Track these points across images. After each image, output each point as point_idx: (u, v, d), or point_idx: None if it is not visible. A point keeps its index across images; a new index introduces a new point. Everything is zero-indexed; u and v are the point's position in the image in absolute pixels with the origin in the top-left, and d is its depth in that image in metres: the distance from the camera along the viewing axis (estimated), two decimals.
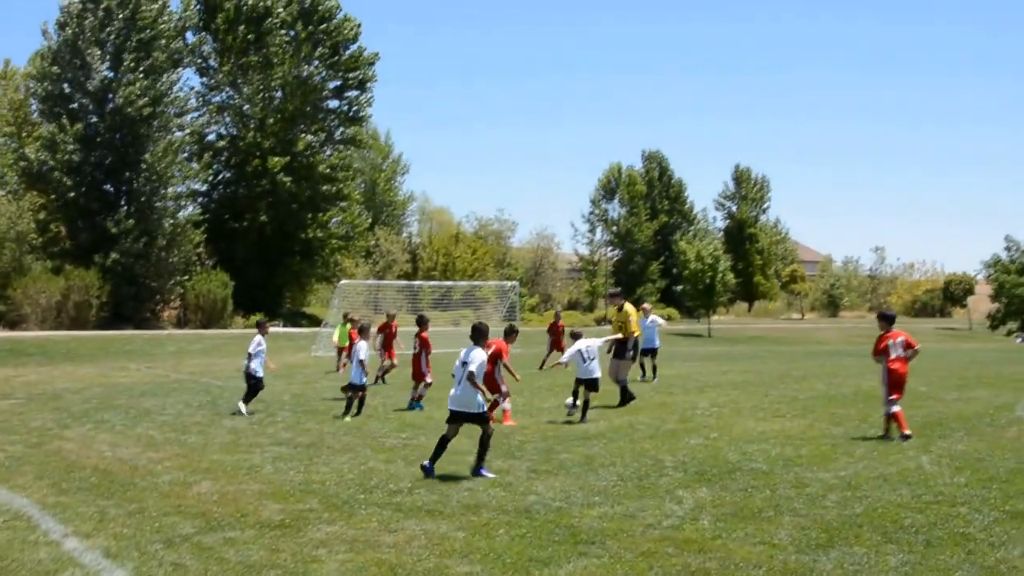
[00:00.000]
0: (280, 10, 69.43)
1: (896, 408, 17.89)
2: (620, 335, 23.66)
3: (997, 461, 15.14)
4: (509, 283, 58.57)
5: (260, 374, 22.43)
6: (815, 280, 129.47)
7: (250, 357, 22.50)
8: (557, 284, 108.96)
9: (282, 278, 72.19)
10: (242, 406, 21.96)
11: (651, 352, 30.31)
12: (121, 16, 58.93)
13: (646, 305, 33.63)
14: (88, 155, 59.30)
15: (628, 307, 24.33)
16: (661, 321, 32.52)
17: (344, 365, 30.01)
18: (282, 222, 69.71)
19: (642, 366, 30.11)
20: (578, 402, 20.63)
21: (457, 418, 14.61)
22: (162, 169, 59.70)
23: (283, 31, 69.78)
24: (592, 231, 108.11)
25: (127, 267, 58.15)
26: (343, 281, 55.29)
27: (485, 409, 14.59)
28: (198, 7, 68.88)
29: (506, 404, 20.68)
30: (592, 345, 20.69)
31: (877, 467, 14.55)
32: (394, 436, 18.01)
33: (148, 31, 60.10)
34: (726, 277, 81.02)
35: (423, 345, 23.06)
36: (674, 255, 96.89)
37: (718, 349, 59.27)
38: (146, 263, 59.48)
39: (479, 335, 14.98)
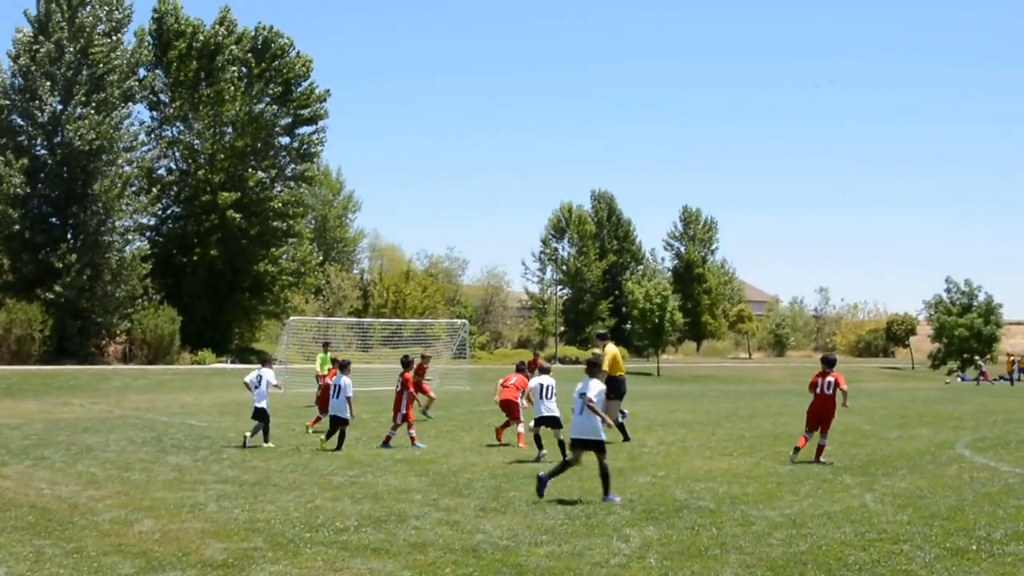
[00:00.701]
0: (232, 46, 69.38)
1: (806, 435, 20.14)
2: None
3: (938, 498, 15.23)
4: (459, 321, 58.48)
5: (264, 406, 22.99)
6: (762, 320, 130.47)
7: (251, 389, 23.46)
8: (508, 322, 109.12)
9: (231, 314, 71.94)
10: (263, 442, 22.60)
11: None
12: (73, 50, 58.68)
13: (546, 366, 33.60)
14: (34, 188, 58.99)
15: (610, 347, 24.19)
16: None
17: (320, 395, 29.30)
18: (232, 257, 69.52)
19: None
20: (544, 452, 20.29)
21: (578, 445, 15.36)
22: (109, 203, 59.32)
23: (234, 67, 69.73)
24: (542, 270, 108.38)
25: (71, 301, 57.70)
26: (292, 318, 55.03)
27: (604, 437, 15.31)
28: (151, 43, 68.76)
29: (520, 428, 22.55)
30: (553, 384, 20.52)
31: (822, 505, 14.59)
32: (341, 474, 17.86)
33: (101, 66, 59.87)
34: (674, 316, 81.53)
35: (405, 385, 22.88)
36: (623, 294, 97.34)
37: (666, 388, 59.39)
38: (91, 297, 59.07)
39: (595, 368, 15.89)
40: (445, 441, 23.13)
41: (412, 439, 22.38)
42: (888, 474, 17.92)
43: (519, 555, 11.47)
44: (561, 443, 19.54)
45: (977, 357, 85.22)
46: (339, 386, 22.58)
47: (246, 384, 24.11)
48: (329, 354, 33.40)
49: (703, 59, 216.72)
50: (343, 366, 23.23)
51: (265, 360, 25.14)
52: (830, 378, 19.99)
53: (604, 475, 15.19)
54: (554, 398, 20.26)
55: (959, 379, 79.87)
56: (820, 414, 20.11)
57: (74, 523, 13.18)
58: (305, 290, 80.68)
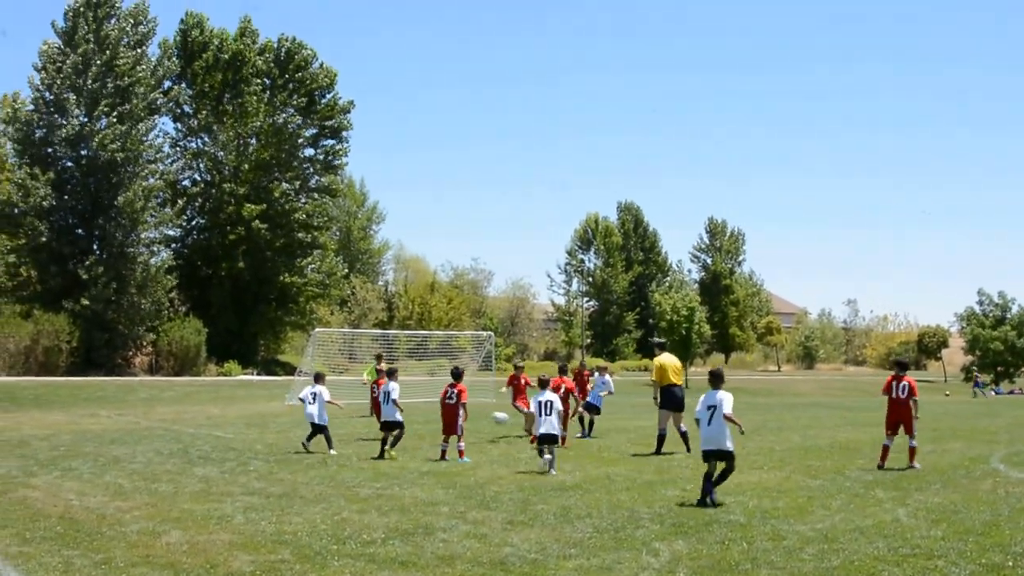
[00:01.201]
0: (256, 58, 69.58)
1: (887, 442, 20.73)
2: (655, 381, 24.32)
3: (973, 513, 15.00)
4: (485, 333, 58.45)
5: (324, 421, 24.02)
6: (791, 332, 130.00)
7: (308, 403, 24.38)
8: (534, 334, 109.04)
9: (257, 325, 72.02)
10: (328, 449, 23.56)
11: (595, 410, 29.74)
12: (98, 62, 58.89)
13: (603, 364, 33.61)
14: (61, 200, 59.18)
15: (659, 358, 24.69)
16: (611, 385, 31.44)
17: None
18: (257, 269, 69.65)
19: (580, 421, 29.56)
20: (548, 456, 20.07)
21: (710, 456, 16.08)
22: (135, 214, 59.47)
23: (259, 79, 69.92)
24: (568, 281, 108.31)
25: (98, 313, 57.83)
26: (318, 329, 55.08)
27: (733, 448, 16.14)
28: (176, 54, 68.99)
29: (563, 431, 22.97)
30: (554, 399, 20.49)
31: (854, 519, 14.40)
32: (368, 486, 17.78)
33: (126, 78, 60.10)
34: (702, 328, 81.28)
35: (460, 397, 22.65)
36: (649, 305, 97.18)
37: (694, 401, 58.88)
38: (117, 309, 59.19)
39: (718, 379, 16.78)
40: (472, 453, 22.96)
41: (460, 452, 22.20)
42: (921, 488, 17.70)
43: (547, 569, 11.36)
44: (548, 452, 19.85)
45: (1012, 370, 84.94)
46: (387, 392, 22.80)
47: (301, 400, 25.26)
48: (381, 364, 33.24)
49: (730, 70, 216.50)
50: (390, 373, 23.47)
51: (319, 377, 25.53)
52: (904, 382, 20.70)
53: (724, 478, 16.10)
54: (555, 414, 20.20)
55: (992, 392, 79.37)
56: (898, 418, 20.73)
57: (102, 534, 13.12)
58: (330, 302, 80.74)
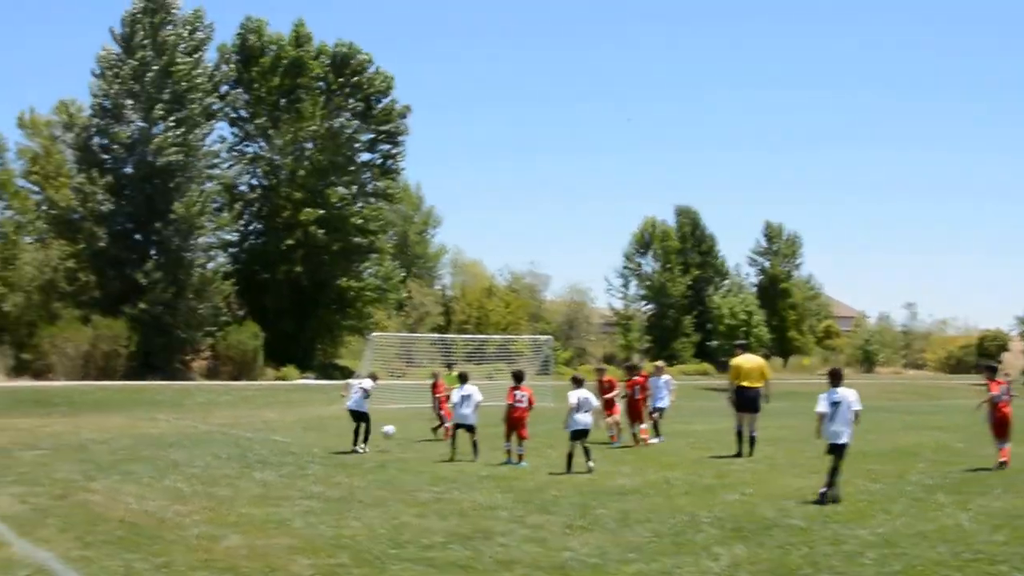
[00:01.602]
0: (313, 63, 69.90)
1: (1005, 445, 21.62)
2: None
3: None
4: (543, 337, 58.30)
5: (364, 409, 26.20)
6: (850, 336, 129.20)
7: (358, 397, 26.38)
8: (591, 338, 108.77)
9: (314, 330, 72.17)
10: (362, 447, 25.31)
11: (660, 411, 29.81)
12: (156, 68, 59.32)
13: (660, 363, 33.68)
14: (119, 205, 59.62)
15: (736, 359, 25.31)
16: (673, 383, 31.55)
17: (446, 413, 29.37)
18: (314, 273, 69.83)
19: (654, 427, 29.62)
20: (586, 457, 20.46)
21: (835, 449, 17.12)
22: (191, 219, 59.82)
23: (316, 84, 70.23)
24: (626, 285, 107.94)
25: (156, 317, 58.18)
26: (375, 333, 55.15)
27: (850, 441, 17.44)
28: (235, 59, 69.36)
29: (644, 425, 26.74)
30: (591, 397, 20.86)
31: (915, 524, 14.30)
32: (426, 490, 17.79)
33: (182, 83, 60.51)
34: (760, 332, 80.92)
35: (530, 401, 22.72)
36: (707, 309, 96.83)
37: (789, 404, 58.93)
38: (175, 313, 59.51)
39: (839, 378, 17.72)
40: (530, 458, 22.95)
41: (520, 456, 22.24)
42: (983, 493, 17.54)
43: (607, 573, 11.35)
44: (586, 450, 20.41)
45: None
46: (465, 396, 23.22)
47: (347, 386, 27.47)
48: (454, 373, 33.52)
49: (784, 81, 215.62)
50: (462, 378, 24.12)
51: (374, 376, 28.13)
52: (1003, 385, 21.97)
53: (834, 471, 16.90)
54: (590, 410, 20.70)
55: None
56: (1004, 421, 21.63)
57: (162, 538, 13.19)
58: (387, 306, 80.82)
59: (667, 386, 30.14)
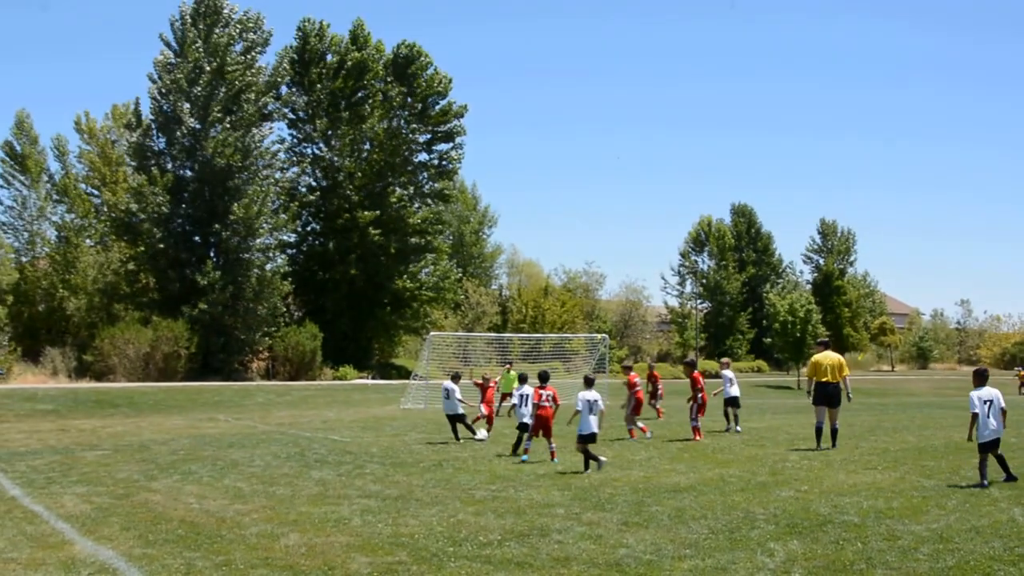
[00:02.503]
0: (375, 65, 70.13)
1: None
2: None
3: None
4: (599, 335, 58.30)
5: (460, 411, 27.86)
6: (904, 332, 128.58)
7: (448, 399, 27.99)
8: (647, 336, 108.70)
9: (371, 330, 72.49)
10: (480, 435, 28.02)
11: (734, 402, 30.95)
12: (209, 70, 59.75)
13: (725, 359, 35.11)
14: (177, 206, 60.12)
15: (817, 355, 25.46)
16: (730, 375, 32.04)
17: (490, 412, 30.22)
18: (371, 274, 70.15)
19: (726, 415, 31.17)
20: (604, 459, 20.61)
21: (990, 446, 18.21)
22: (250, 221, 60.20)
23: (377, 86, 70.47)
24: (682, 283, 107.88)
25: (215, 318, 58.66)
26: (432, 333, 55.33)
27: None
28: (294, 60, 69.66)
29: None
30: (600, 398, 20.83)
31: (969, 519, 14.21)
32: (484, 488, 17.84)
33: (236, 84, 60.90)
34: (817, 329, 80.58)
35: (554, 400, 23.00)
36: (763, 307, 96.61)
37: (807, 402, 58.59)
38: (234, 314, 59.98)
39: (984, 377, 18.77)
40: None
41: (552, 453, 22.39)
42: None
43: (662, 569, 11.34)
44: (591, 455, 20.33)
45: None
46: (525, 396, 23.66)
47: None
48: (512, 372, 34.02)
49: (847, 72, 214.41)
50: (521, 379, 25.21)
51: (456, 376, 28.81)
52: None
53: (1002, 462, 18.41)
54: (599, 415, 20.66)
55: None
56: None
57: (222, 536, 13.30)
58: (444, 305, 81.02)
59: (730, 380, 31.10)
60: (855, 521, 14.18)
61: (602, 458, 20.45)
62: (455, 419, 27.98)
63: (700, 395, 28.54)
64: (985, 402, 18.24)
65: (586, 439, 20.38)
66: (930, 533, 13.23)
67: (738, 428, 30.44)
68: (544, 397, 22.47)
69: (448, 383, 28.32)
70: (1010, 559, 11.67)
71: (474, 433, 27.89)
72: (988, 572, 11.07)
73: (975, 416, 18.15)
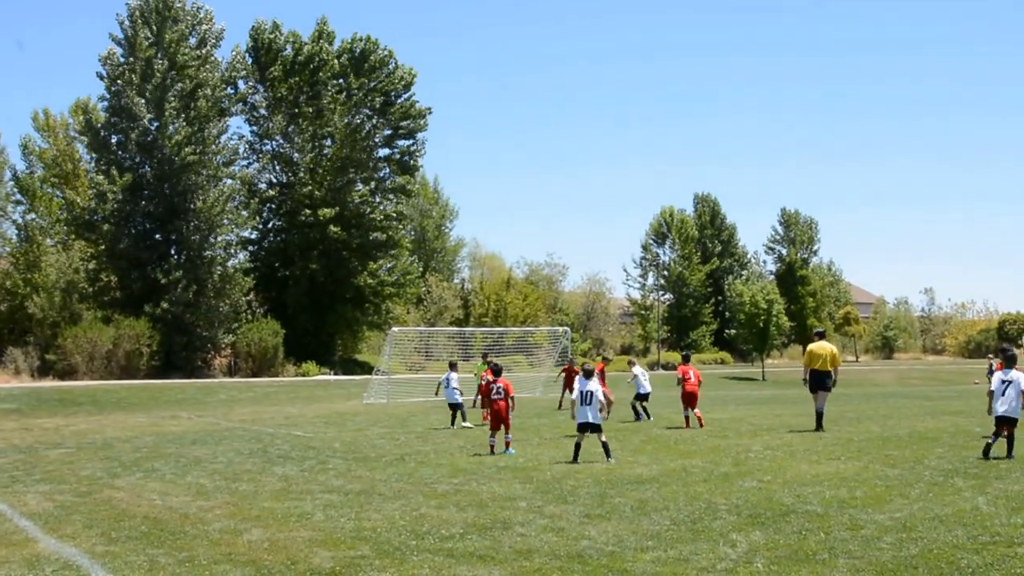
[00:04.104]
0: (332, 60, 69.91)
1: None
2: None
3: None
4: (561, 328, 58.34)
5: (457, 399, 30.07)
6: (868, 322, 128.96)
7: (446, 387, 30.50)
8: (610, 328, 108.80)
9: (334, 325, 72.36)
10: (463, 422, 29.75)
11: (644, 397, 32.12)
12: (162, 66, 59.41)
13: (631, 359, 37.46)
14: (136, 204, 59.82)
15: (811, 345, 27.78)
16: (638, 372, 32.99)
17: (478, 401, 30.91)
18: (333, 270, 70.04)
19: (634, 408, 32.19)
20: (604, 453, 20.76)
21: (1004, 421, 20.04)
22: (211, 218, 59.99)
23: (335, 80, 70.26)
24: (644, 275, 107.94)
25: (177, 316, 58.51)
26: (395, 328, 55.28)
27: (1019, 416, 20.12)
28: (250, 57, 69.44)
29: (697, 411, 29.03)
30: (598, 389, 20.81)
31: (932, 508, 14.31)
32: (446, 482, 17.88)
33: (189, 80, 60.58)
34: (780, 320, 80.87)
35: (507, 392, 23.37)
36: (727, 298, 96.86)
37: (771, 392, 58.94)
38: (196, 312, 59.82)
39: (1013, 361, 20.40)
40: (549, 448, 23.10)
41: (507, 443, 22.71)
42: (1001, 477, 17.50)
43: (625, 561, 11.40)
44: (604, 444, 20.62)
45: None
46: (499, 388, 23.54)
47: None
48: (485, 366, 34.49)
49: (805, 55, 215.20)
50: (495, 370, 24.40)
51: (453, 365, 30.70)
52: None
53: (1011, 441, 19.98)
54: (596, 403, 20.59)
55: None
56: None
57: (185, 533, 13.32)
58: (406, 300, 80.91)
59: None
60: (818, 511, 14.27)
61: (611, 459, 20.49)
62: (455, 407, 30.08)
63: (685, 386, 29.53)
64: (1003, 382, 20.15)
65: (583, 428, 20.58)
66: (893, 522, 13.32)
67: (649, 418, 31.51)
68: (495, 390, 23.03)
69: (449, 373, 30.64)
70: (973, 547, 11.75)
71: (465, 420, 29.78)
72: (951, 560, 11.14)
73: (991, 394, 20.33)
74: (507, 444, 22.67)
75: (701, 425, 28.46)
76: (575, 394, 20.91)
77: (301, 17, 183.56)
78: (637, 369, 32.83)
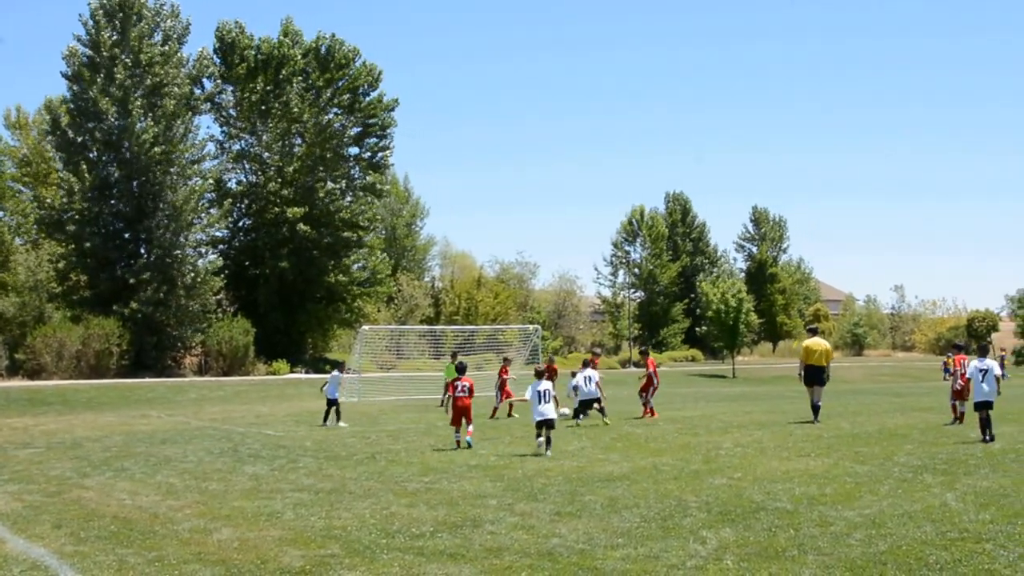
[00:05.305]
0: (298, 57, 69.74)
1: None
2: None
3: (1022, 497, 14.96)
4: (532, 326, 58.34)
5: (335, 395, 31.58)
6: (838, 319, 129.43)
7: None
8: (580, 326, 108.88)
9: (304, 324, 72.27)
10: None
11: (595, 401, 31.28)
12: (127, 63, 59.14)
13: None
14: (105, 203, 59.58)
15: (805, 341, 29.28)
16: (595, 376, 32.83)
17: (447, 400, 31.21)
18: (303, 268, 69.88)
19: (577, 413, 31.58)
20: (541, 439, 21.66)
21: (983, 406, 22.29)
22: (181, 217, 59.79)
23: (300, 78, 70.10)
24: (615, 273, 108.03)
25: (147, 315, 58.25)
26: (365, 327, 55.18)
27: (995, 399, 22.62)
28: (217, 58, 69.26)
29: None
30: (550, 388, 22.16)
31: (902, 504, 14.38)
32: (416, 480, 17.88)
33: (152, 77, 60.22)
34: (749, 318, 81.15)
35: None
36: (698, 296, 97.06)
37: (742, 389, 59.13)
38: (166, 311, 59.58)
39: (986, 351, 23.19)
40: (520, 446, 23.13)
41: (465, 439, 23.37)
42: (970, 473, 17.61)
43: (595, 558, 11.42)
44: (548, 439, 21.57)
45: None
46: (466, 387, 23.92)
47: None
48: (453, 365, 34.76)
49: (775, 51, 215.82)
50: (459, 368, 24.96)
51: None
52: (964, 360, 26.87)
53: (986, 424, 22.11)
54: (552, 401, 21.86)
55: None
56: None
57: (155, 532, 13.28)
58: (377, 299, 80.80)
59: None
60: (788, 508, 14.32)
61: (548, 453, 21.29)
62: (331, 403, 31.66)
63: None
64: (980, 370, 22.38)
65: (540, 424, 21.63)
66: (862, 519, 13.38)
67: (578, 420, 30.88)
68: (460, 388, 23.46)
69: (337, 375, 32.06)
70: (942, 543, 11.82)
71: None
72: (920, 556, 11.20)
73: (970, 379, 22.74)
74: (468, 433, 23.40)
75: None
76: (531, 393, 22.02)
77: (265, 16, 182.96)
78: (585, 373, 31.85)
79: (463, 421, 23.42)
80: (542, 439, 21.57)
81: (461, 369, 24.59)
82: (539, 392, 21.85)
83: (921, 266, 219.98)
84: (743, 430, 26.72)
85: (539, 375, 22.67)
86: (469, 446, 22.98)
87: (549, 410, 21.65)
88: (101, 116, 58.41)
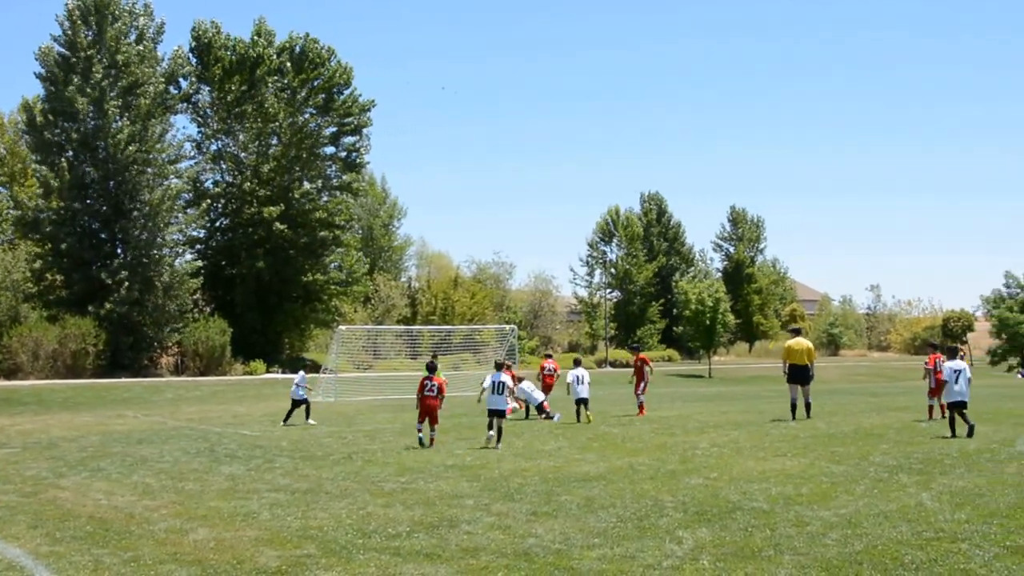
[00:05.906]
0: (273, 57, 69.60)
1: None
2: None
3: (998, 496, 15.01)
4: (508, 326, 58.36)
5: (301, 396, 32.06)
6: (814, 319, 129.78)
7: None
8: (557, 327, 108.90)
9: (281, 324, 72.11)
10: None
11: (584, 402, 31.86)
12: (104, 63, 58.95)
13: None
14: (83, 204, 59.37)
15: (788, 341, 30.34)
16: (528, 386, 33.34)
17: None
18: (279, 268, 69.73)
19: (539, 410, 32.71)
20: (492, 432, 22.95)
21: (957, 406, 23.73)
22: (157, 217, 59.60)
23: (275, 78, 69.95)
24: (591, 274, 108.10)
25: (123, 315, 58.08)
26: (342, 326, 55.09)
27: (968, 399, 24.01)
28: (192, 58, 69.09)
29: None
30: (507, 381, 23.79)
31: (877, 504, 14.43)
32: (393, 480, 17.88)
33: (128, 77, 59.98)
34: (726, 318, 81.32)
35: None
36: (674, 296, 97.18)
37: (718, 389, 59.22)
38: (142, 311, 59.43)
39: (955, 353, 24.32)
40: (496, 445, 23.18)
41: (431, 440, 23.70)
42: (945, 472, 17.67)
43: (571, 558, 11.44)
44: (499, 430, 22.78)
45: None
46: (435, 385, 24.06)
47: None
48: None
49: (751, 50, 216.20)
50: (431, 368, 24.89)
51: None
52: (939, 358, 28.47)
53: (965, 418, 23.52)
54: (506, 393, 23.51)
55: (1017, 376, 79.21)
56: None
57: (131, 533, 13.26)
58: (354, 299, 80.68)
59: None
60: (764, 508, 14.36)
61: (498, 446, 22.59)
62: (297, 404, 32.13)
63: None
64: (954, 371, 23.56)
65: (491, 413, 23.02)
66: (838, 519, 13.43)
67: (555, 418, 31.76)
68: (428, 387, 23.64)
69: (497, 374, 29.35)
70: (917, 543, 11.87)
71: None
72: (895, 556, 11.26)
73: (944, 383, 24.49)
74: (431, 440, 23.60)
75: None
76: (488, 382, 23.57)
77: (239, 16, 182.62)
78: (576, 372, 32.53)
79: (427, 420, 23.72)
80: (492, 432, 22.55)
81: (431, 368, 24.67)
82: (494, 383, 23.01)
83: (897, 266, 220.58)
84: (719, 430, 26.77)
85: (499, 367, 23.99)
86: (421, 444, 23.39)
87: (500, 401, 22.75)
88: (77, 116, 58.18)
